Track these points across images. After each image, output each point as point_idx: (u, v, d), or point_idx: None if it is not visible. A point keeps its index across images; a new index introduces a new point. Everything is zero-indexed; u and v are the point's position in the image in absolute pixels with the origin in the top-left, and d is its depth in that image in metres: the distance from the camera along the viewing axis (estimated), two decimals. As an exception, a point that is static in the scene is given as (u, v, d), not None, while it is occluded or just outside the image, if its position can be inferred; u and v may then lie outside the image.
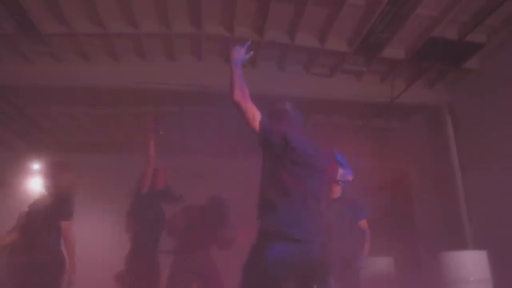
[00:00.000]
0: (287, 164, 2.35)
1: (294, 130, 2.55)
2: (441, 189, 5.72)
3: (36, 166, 6.09)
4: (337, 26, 4.53)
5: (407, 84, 5.47)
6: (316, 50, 4.98)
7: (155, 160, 3.94)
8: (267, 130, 2.40)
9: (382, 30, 4.48)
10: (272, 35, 4.74)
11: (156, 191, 4.06)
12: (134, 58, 5.21)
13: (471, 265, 3.94)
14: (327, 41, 4.79)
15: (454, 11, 4.24)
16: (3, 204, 6.05)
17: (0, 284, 4.02)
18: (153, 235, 3.95)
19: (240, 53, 2.61)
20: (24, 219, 3.79)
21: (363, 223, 3.87)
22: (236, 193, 5.12)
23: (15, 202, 6.01)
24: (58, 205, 3.55)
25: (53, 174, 3.74)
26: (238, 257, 2.45)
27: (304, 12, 4.34)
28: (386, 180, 6.46)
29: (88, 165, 5.79)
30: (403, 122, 6.50)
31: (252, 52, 2.71)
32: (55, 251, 3.49)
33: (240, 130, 6.37)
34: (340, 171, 3.50)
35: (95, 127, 6.35)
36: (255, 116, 2.41)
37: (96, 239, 5.79)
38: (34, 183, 6.22)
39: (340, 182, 3.58)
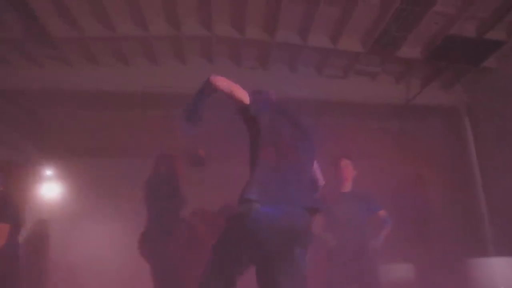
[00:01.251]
0: (272, 137, 2.30)
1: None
2: (460, 192, 5.52)
3: (46, 170, 6.07)
4: (350, 26, 4.41)
5: (423, 84, 5.32)
6: (328, 50, 4.86)
7: None
8: (257, 100, 2.36)
9: (397, 28, 4.34)
10: (284, 36, 4.64)
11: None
12: (144, 61, 5.15)
13: (500, 272, 3.76)
14: (340, 41, 4.67)
15: (472, 8, 4.08)
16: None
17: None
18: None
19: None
20: None
21: (382, 213, 3.73)
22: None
23: (25, 207, 6.03)
24: None
25: None
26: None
27: (316, 11, 4.23)
28: (403, 184, 6.27)
29: (96, 169, 5.74)
30: (419, 124, 6.31)
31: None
32: None
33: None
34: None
35: (103, 131, 6.31)
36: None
37: (104, 242, 5.73)
38: (44, 187, 6.21)
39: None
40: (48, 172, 6.06)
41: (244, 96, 2.32)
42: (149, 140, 6.82)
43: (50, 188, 6.07)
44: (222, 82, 2.34)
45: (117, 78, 5.15)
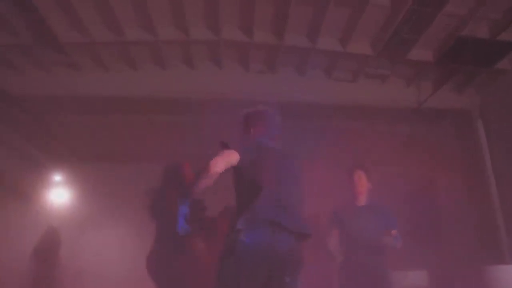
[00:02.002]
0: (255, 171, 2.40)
1: (269, 134, 2.62)
2: (474, 198, 5.40)
3: (54, 176, 6.07)
4: (360, 28, 4.35)
5: (435, 87, 5.22)
6: (338, 53, 4.80)
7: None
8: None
9: (407, 30, 4.26)
10: (292, 39, 4.59)
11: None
12: (152, 66, 5.13)
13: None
14: (349, 44, 4.60)
15: (484, 8, 4.00)
16: (21, 216, 6.03)
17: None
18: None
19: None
20: None
21: (395, 232, 3.61)
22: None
23: (33, 214, 6.03)
24: None
25: None
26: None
27: (325, 13, 4.18)
28: (414, 189, 6.16)
29: (103, 174, 5.72)
30: (431, 127, 6.20)
31: None
32: None
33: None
34: None
35: (111, 136, 6.30)
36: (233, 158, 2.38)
37: (111, 246, 5.70)
38: (55, 193, 6.22)
39: None
40: (56, 177, 6.06)
41: (234, 158, 2.34)
42: (157, 146, 6.82)
43: (58, 194, 6.07)
44: (217, 165, 2.28)
45: (125, 83, 5.14)
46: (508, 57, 4.64)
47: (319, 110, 5.73)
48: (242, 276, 2.14)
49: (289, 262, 2.22)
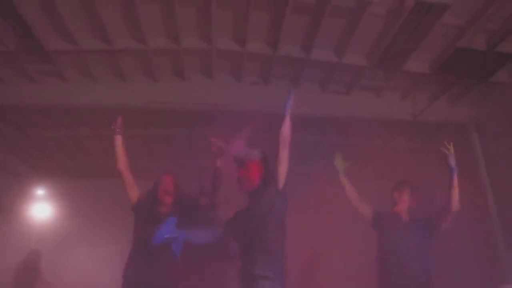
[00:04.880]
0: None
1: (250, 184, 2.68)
2: (471, 211, 5.27)
3: (39, 190, 5.85)
4: (356, 39, 4.26)
5: (430, 100, 5.14)
6: (332, 65, 4.70)
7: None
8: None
9: (404, 41, 4.19)
10: (287, 50, 4.49)
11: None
12: (142, 77, 4.99)
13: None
14: (344, 55, 4.51)
15: (482, 19, 3.93)
16: (6, 230, 5.80)
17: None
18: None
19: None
20: None
21: None
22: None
23: (18, 227, 5.80)
24: None
25: None
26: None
27: (320, 24, 4.08)
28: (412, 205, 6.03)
29: (91, 189, 5.52)
30: (427, 141, 6.11)
31: None
32: None
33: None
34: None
35: (99, 150, 6.10)
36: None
37: (100, 262, 5.48)
38: (38, 208, 5.99)
39: None
40: (39, 191, 5.85)
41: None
42: (146, 159, 6.63)
43: (41, 208, 5.85)
44: None
45: (114, 94, 4.98)
46: (504, 69, 4.59)
47: (313, 123, 5.63)
48: None
49: None
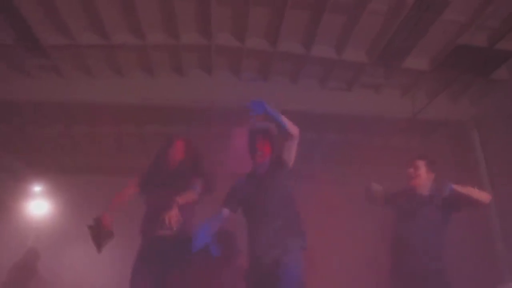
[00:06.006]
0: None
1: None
2: (470, 212, 5.26)
3: (36, 188, 5.79)
4: (356, 34, 4.23)
5: (430, 97, 5.12)
6: (332, 61, 4.67)
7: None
8: None
9: (404, 38, 4.16)
10: (286, 46, 4.46)
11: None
12: (140, 73, 4.94)
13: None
14: (344, 51, 4.48)
15: (483, 16, 3.92)
16: (3, 227, 5.74)
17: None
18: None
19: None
20: None
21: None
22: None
23: (14, 225, 5.74)
24: None
25: None
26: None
27: (320, 20, 4.05)
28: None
29: (87, 187, 5.46)
30: (426, 138, 6.08)
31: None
32: None
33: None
34: None
35: (96, 148, 6.04)
36: None
37: (95, 259, 5.42)
38: (34, 205, 5.94)
39: None
40: (36, 188, 5.79)
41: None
42: (143, 157, 6.57)
43: (38, 205, 5.80)
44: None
45: (112, 90, 4.93)
46: (505, 67, 4.57)
47: (311, 120, 5.59)
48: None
49: None
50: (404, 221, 3.24)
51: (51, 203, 5.90)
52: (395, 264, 3.27)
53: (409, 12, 3.82)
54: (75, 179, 5.86)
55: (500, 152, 4.95)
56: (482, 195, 3.12)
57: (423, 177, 3.31)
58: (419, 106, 5.20)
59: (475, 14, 3.91)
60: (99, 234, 3.05)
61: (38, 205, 6.00)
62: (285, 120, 2.73)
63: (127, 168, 6.40)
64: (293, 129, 2.73)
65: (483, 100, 5.18)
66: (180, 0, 3.92)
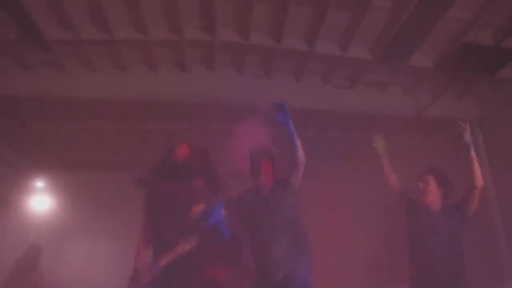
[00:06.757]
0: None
1: None
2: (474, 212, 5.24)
3: (38, 183, 5.79)
4: (360, 32, 4.20)
5: (434, 95, 5.09)
6: (336, 58, 4.64)
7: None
8: None
9: (409, 35, 4.13)
10: (290, 42, 4.43)
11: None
12: (142, 68, 4.92)
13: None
14: (348, 49, 4.45)
15: (489, 14, 3.88)
16: (5, 222, 5.75)
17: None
18: None
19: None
20: None
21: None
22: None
23: (16, 220, 5.75)
24: None
25: None
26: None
27: (324, 16, 4.02)
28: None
29: (90, 182, 5.46)
30: (429, 136, 6.05)
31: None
32: None
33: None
34: None
35: (98, 143, 6.03)
36: None
37: (96, 255, 5.44)
38: (36, 201, 5.94)
39: None
40: (39, 183, 5.79)
41: None
42: (146, 153, 6.56)
43: (40, 201, 5.80)
44: None
45: (115, 86, 4.91)
46: (510, 65, 4.53)
47: (314, 117, 5.57)
48: None
49: None
50: (427, 238, 3.21)
51: (52, 199, 5.90)
52: (414, 267, 3.26)
53: (414, 10, 3.79)
54: (77, 175, 5.87)
55: (503, 151, 4.93)
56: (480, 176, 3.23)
57: (434, 193, 3.30)
58: (423, 104, 5.17)
59: (480, 11, 3.87)
60: None
61: (40, 200, 6.00)
62: (298, 144, 2.77)
63: (129, 164, 6.43)
64: (302, 156, 2.77)
65: (488, 99, 5.14)
66: (184, -4, 3.90)
